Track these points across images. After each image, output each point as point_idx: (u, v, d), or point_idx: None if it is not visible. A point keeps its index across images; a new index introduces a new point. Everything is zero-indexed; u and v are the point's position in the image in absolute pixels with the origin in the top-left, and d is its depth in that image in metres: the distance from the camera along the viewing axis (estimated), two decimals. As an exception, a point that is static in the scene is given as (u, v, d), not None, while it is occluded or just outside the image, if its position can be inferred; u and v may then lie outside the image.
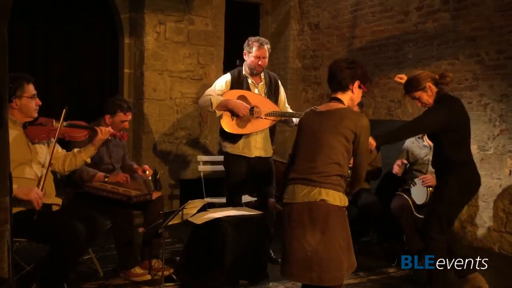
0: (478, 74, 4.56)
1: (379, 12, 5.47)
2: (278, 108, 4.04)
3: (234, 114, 3.88)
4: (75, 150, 3.31)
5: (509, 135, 4.35)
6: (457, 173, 3.22)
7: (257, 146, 4.01)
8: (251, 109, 3.89)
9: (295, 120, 4.05)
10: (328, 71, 2.74)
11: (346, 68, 2.65)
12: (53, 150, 3.13)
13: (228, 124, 3.92)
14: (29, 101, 3.05)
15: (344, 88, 2.66)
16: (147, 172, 3.84)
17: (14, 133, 3.02)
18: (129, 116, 3.86)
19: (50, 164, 3.11)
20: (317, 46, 6.37)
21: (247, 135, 3.96)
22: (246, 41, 4.03)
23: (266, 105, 3.97)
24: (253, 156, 4.00)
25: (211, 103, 3.87)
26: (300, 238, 2.53)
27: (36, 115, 3.13)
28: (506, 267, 4.03)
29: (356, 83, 2.66)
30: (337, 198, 2.53)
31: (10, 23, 1.95)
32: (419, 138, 4.23)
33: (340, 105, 2.65)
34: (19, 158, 2.99)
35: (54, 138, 3.11)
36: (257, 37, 4.05)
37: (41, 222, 2.90)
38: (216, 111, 3.89)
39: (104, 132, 3.31)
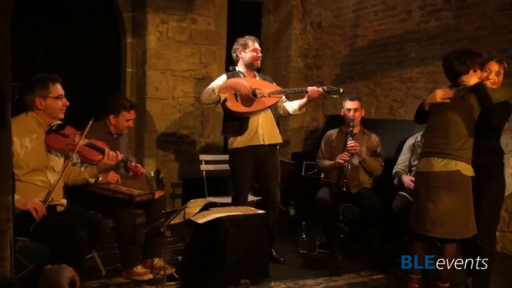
0: (480, 73, 4.54)
1: (382, 11, 5.46)
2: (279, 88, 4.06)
3: (237, 93, 3.87)
4: (82, 168, 3.33)
5: (512, 134, 4.33)
6: (501, 169, 3.27)
7: (264, 132, 3.96)
8: (254, 92, 3.87)
9: (290, 109, 4.10)
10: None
11: (457, 66, 3.12)
12: (67, 164, 3.15)
13: (233, 105, 3.91)
14: (54, 101, 3.03)
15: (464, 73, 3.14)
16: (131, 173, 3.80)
17: (38, 137, 3.00)
18: (133, 115, 3.87)
19: (61, 175, 3.13)
20: (320, 45, 6.36)
21: (253, 122, 3.93)
22: (236, 42, 4.08)
23: (267, 86, 3.97)
24: (261, 143, 3.94)
25: (213, 90, 3.89)
26: (435, 200, 3.12)
27: (62, 116, 3.10)
28: (509, 267, 4.01)
29: (471, 72, 3.11)
30: (469, 170, 3.11)
31: (11, 23, 1.96)
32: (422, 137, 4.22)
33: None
34: (36, 164, 2.98)
35: (72, 153, 3.11)
36: (246, 36, 4.07)
37: (44, 224, 2.89)
38: (220, 95, 3.89)
39: (110, 157, 3.29)
